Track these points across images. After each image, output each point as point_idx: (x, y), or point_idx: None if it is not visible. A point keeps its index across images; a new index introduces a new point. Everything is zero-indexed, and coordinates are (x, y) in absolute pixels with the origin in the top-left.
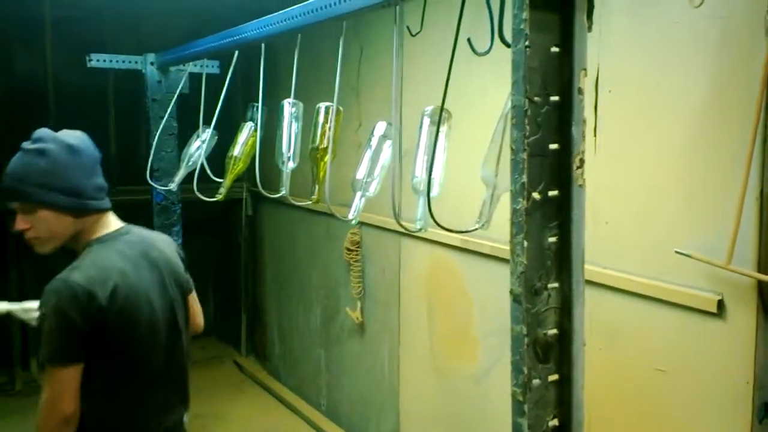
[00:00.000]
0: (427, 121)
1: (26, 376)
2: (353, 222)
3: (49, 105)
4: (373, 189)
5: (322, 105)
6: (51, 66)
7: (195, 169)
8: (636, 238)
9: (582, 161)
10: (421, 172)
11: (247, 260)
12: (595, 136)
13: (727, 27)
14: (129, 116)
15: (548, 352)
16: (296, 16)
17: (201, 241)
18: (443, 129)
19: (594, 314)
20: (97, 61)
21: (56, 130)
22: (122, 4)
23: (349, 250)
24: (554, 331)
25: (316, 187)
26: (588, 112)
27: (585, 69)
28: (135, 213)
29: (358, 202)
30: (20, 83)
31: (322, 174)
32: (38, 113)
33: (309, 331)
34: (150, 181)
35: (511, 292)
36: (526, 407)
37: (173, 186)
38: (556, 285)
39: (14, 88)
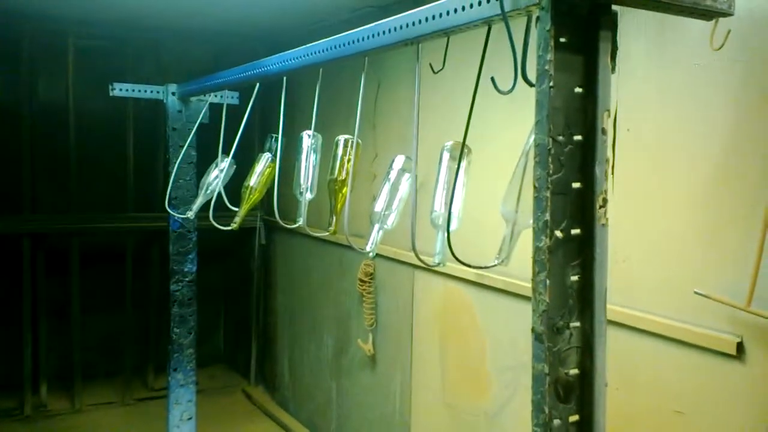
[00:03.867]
0: (446, 155)
1: (36, 400)
2: (371, 255)
3: (69, 132)
4: (391, 222)
5: (342, 137)
6: (72, 94)
7: (212, 198)
8: (654, 278)
9: (605, 200)
10: (440, 207)
11: (258, 289)
12: (612, 174)
13: (748, 70)
14: (147, 144)
15: (569, 392)
16: (319, 52)
17: (214, 269)
18: (463, 164)
19: (610, 353)
20: (120, 90)
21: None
22: (142, 34)
23: (362, 281)
24: (576, 370)
25: (333, 218)
26: None
27: (609, 110)
28: (151, 240)
29: (375, 235)
30: (43, 110)
31: (339, 205)
32: (60, 140)
33: (320, 362)
34: (168, 209)
35: (533, 330)
36: None
37: (191, 214)
38: (578, 324)
39: (37, 115)
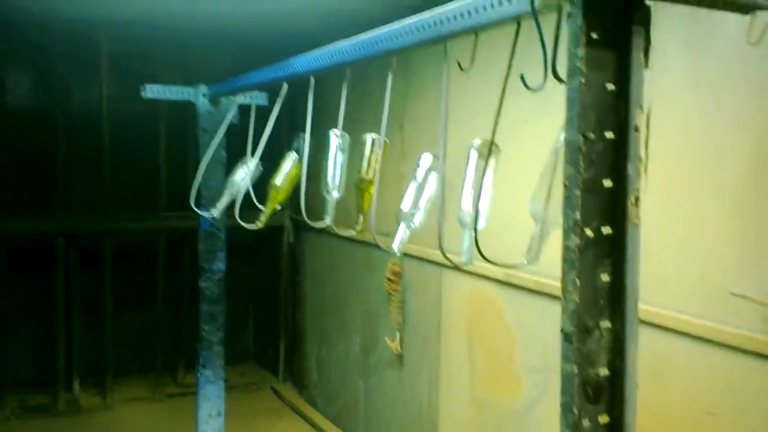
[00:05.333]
0: (474, 154)
1: (69, 396)
2: (398, 254)
3: (102, 134)
4: (418, 221)
5: (369, 136)
6: (106, 96)
7: (237, 197)
8: (688, 278)
9: (637, 199)
10: (467, 206)
11: (287, 287)
12: (645, 173)
13: None
14: (178, 145)
15: (599, 393)
16: (346, 52)
17: (243, 267)
18: (491, 162)
19: (641, 353)
20: (152, 92)
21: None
22: (172, 36)
23: (389, 280)
24: (606, 371)
25: (361, 217)
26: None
27: (641, 106)
28: (182, 238)
29: (402, 234)
30: (76, 113)
31: (366, 205)
32: (93, 142)
33: (348, 360)
34: (194, 208)
35: (562, 330)
36: None
37: (216, 213)
38: (608, 324)
39: (71, 117)
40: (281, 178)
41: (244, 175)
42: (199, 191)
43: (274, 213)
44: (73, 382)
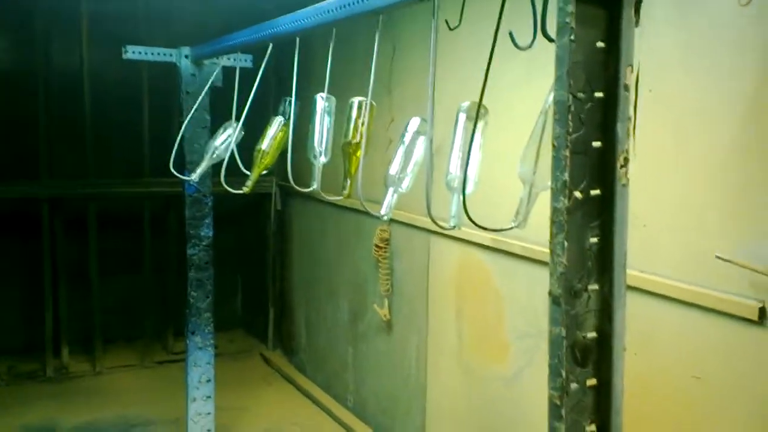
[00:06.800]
0: (463, 117)
1: (57, 363)
2: (385, 218)
3: (84, 97)
4: (405, 185)
5: (356, 99)
6: (87, 59)
7: (221, 162)
8: (674, 242)
9: (626, 160)
10: (455, 169)
11: (275, 255)
12: (633, 136)
13: None
14: (162, 109)
15: (587, 356)
16: (332, 10)
17: (231, 234)
18: (480, 125)
19: (628, 318)
20: (133, 53)
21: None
22: None
23: (377, 247)
24: (593, 334)
25: (348, 182)
26: None
27: (631, 65)
28: (167, 204)
29: (390, 198)
30: (57, 76)
31: (353, 169)
32: (75, 105)
33: (336, 326)
34: (173, 171)
35: (550, 293)
36: (563, 411)
37: (195, 177)
38: (596, 287)
39: (52, 80)
40: (267, 142)
41: (225, 138)
42: (183, 156)
43: (261, 178)
44: (62, 349)
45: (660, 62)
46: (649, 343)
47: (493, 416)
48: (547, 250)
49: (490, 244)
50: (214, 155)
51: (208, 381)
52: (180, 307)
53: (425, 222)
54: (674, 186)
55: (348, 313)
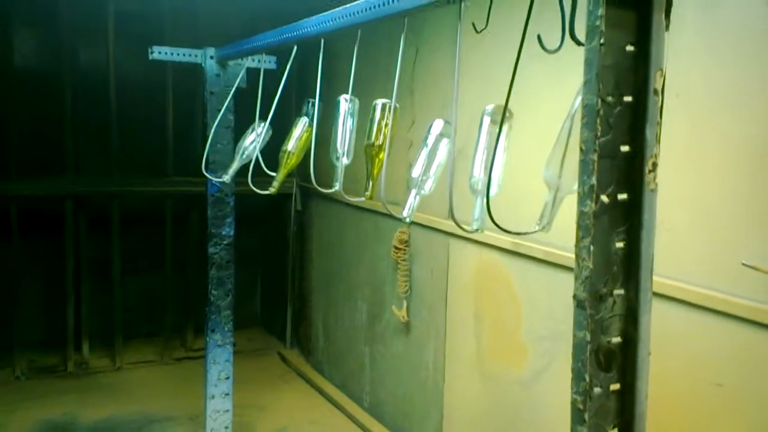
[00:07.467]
0: (487, 119)
1: (78, 358)
2: (407, 220)
3: (110, 96)
4: (428, 187)
5: (379, 101)
6: (113, 58)
7: (249, 163)
8: (699, 248)
9: (655, 165)
10: (479, 172)
11: (294, 255)
12: (659, 142)
13: None
14: (186, 109)
15: (611, 361)
16: (358, 12)
17: (251, 234)
18: (505, 128)
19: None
20: (159, 53)
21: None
22: None
23: (396, 248)
24: (618, 339)
25: (370, 183)
26: None
27: (662, 69)
28: (190, 203)
29: (412, 201)
30: (83, 74)
31: (376, 171)
32: (101, 104)
33: (354, 327)
34: (205, 173)
35: (575, 297)
36: (586, 416)
37: (227, 178)
38: (621, 292)
39: (78, 79)
40: (293, 143)
41: (253, 139)
42: (206, 156)
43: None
44: (83, 345)
45: (687, 65)
46: (669, 349)
47: (510, 420)
48: (569, 255)
49: (510, 248)
50: (244, 155)
51: (227, 378)
52: (200, 304)
53: (445, 224)
54: (699, 191)
55: (366, 314)
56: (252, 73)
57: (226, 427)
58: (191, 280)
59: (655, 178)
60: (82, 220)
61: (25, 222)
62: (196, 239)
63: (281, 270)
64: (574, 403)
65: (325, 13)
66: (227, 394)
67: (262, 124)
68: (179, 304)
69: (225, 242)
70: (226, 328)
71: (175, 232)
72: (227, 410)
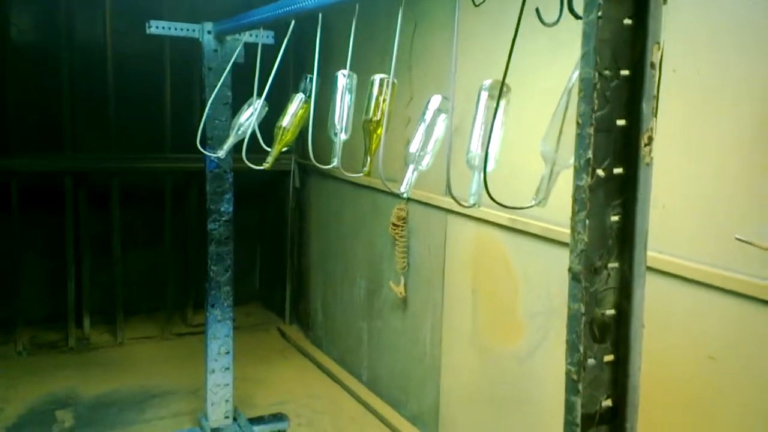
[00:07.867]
0: (484, 95)
1: (79, 333)
2: (405, 196)
3: (107, 72)
4: (426, 163)
5: (377, 77)
6: (110, 33)
7: (244, 138)
8: (694, 224)
9: (651, 139)
10: (476, 147)
11: (293, 231)
12: (655, 116)
13: None
14: (184, 84)
15: (605, 333)
16: None
17: (250, 210)
18: (502, 103)
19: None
20: (156, 28)
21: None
22: None
23: (394, 225)
24: (612, 311)
25: (368, 159)
26: None
27: (659, 43)
28: (189, 180)
29: (410, 176)
30: (81, 50)
31: (374, 146)
32: (98, 80)
33: (352, 303)
34: (200, 148)
35: (570, 269)
36: (580, 386)
37: (222, 154)
38: (616, 265)
39: (75, 54)
40: (288, 119)
41: (249, 115)
42: (204, 132)
43: (280, 155)
44: (84, 320)
45: (685, 41)
46: (664, 323)
47: (506, 393)
48: (566, 230)
49: (507, 224)
50: (239, 131)
51: (227, 353)
52: (200, 280)
53: (442, 201)
54: (694, 166)
55: (364, 289)
56: (250, 47)
57: (227, 401)
58: (191, 256)
59: (650, 152)
60: (82, 196)
61: (26, 199)
62: (195, 215)
63: (280, 246)
64: (568, 373)
65: None
66: (227, 368)
67: (258, 100)
68: (179, 280)
69: (224, 218)
70: (225, 304)
71: (175, 208)
72: (227, 384)
